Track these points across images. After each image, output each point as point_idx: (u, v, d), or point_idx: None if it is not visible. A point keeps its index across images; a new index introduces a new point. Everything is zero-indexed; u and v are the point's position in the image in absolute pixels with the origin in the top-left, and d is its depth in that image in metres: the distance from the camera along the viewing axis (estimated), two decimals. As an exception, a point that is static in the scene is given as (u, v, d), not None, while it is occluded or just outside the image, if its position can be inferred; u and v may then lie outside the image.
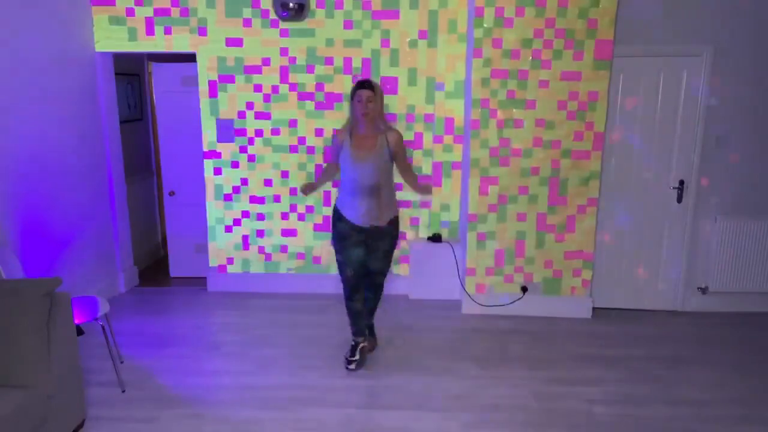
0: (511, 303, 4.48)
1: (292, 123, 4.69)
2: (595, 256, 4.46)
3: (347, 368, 3.58)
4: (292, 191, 4.80)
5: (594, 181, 4.28)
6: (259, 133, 4.72)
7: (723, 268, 4.48)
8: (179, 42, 4.58)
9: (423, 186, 3.85)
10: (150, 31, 4.55)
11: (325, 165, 3.74)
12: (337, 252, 3.58)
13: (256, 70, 4.61)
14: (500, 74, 4.18)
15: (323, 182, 3.90)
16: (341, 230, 3.53)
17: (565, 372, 3.60)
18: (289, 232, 4.88)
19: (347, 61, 4.57)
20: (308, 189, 3.73)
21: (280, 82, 4.63)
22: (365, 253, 3.55)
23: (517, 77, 4.17)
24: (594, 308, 4.51)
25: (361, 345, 3.64)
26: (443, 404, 3.22)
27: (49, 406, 2.60)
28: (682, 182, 4.40)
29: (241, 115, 4.69)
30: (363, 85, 3.38)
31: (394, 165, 3.54)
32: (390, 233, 3.57)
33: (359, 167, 3.39)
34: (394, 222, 3.59)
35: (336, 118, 4.63)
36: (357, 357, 3.60)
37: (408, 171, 3.65)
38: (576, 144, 4.23)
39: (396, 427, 2.99)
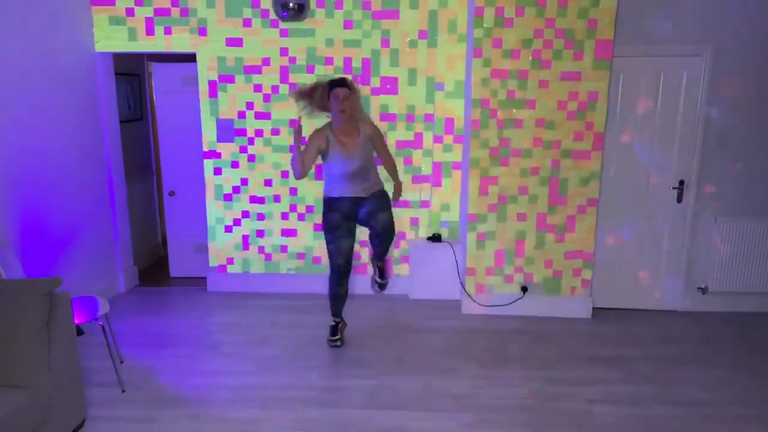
0: (511, 303, 4.48)
1: (292, 123, 4.69)
2: (595, 256, 4.46)
3: (332, 346, 3.89)
4: (292, 191, 4.80)
5: (594, 181, 4.28)
6: (259, 133, 4.72)
7: (723, 268, 4.47)
8: (179, 42, 4.58)
9: (397, 184, 3.98)
10: (150, 31, 4.55)
11: (302, 149, 3.54)
12: (329, 242, 3.82)
13: (256, 70, 4.61)
14: (500, 74, 4.18)
15: (300, 153, 3.57)
16: (332, 221, 3.76)
17: (565, 372, 3.60)
18: (289, 232, 4.88)
19: (347, 61, 4.57)
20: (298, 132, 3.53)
21: (280, 82, 4.63)
22: (354, 243, 3.84)
23: (517, 77, 4.17)
24: (594, 308, 4.51)
25: (340, 324, 4.00)
26: (443, 404, 3.22)
27: (49, 406, 2.60)
28: (682, 182, 4.39)
29: (241, 115, 4.69)
30: (339, 83, 3.54)
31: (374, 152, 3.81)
32: (382, 205, 3.76)
33: (349, 161, 3.60)
34: (382, 194, 3.80)
35: (336, 118, 4.64)
36: (339, 335, 3.93)
37: (389, 159, 3.92)
38: (576, 144, 4.23)
39: (396, 427, 2.99)
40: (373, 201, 3.73)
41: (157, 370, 3.57)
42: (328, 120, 3.70)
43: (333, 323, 3.99)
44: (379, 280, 4.17)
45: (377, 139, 3.76)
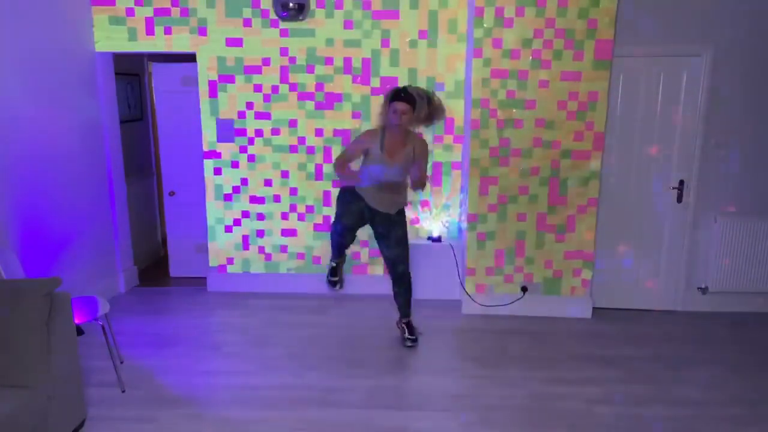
0: (511, 303, 4.48)
1: (292, 123, 4.69)
2: (595, 256, 4.46)
3: (333, 289, 3.98)
4: (292, 191, 4.80)
5: (594, 181, 4.28)
6: (259, 133, 4.72)
7: (723, 268, 4.47)
8: (179, 42, 4.58)
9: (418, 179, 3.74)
10: (150, 31, 4.55)
11: (347, 153, 3.76)
12: (339, 216, 3.84)
13: (256, 70, 4.61)
14: (500, 74, 4.18)
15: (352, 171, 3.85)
16: (350, 201, 3.77)
17: (565, 372, 3.61)
18: (289, 232, 4.88)
19: (347, 61, 4.57)
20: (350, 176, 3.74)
21: (280, 82, 4.63)
22: (361, 226, 3.88)
23: (517, 77, 4.17)
24: (594, 308, 4.51)
25: (340, 263, 4.06)
26: (443, 404, 3.23)
27: (49, 406, 2.60)
28: (682, 182, 4.39)
29: (241, 115, 4.69)
30: (400, 96, 3.50)
31: None
32: (399, 221, 3.82)
33: (388, 169, 3.59)
34: (402, 211, 3.87)
35: (336, 118, 4.64)
36: (338, 276, 4.04)
37: (419, 170, 3.64)
38: (576, 144, 4.23)
39: (396, 427, 2.99)
40: (391, 216, 3.77)
41: (157, 370, 3.57)
42: (381, 125, 3.67)
43: (333, 264, 4.03)
44: (410, 337, 3.94)
45: (423, 159, 3.70)
